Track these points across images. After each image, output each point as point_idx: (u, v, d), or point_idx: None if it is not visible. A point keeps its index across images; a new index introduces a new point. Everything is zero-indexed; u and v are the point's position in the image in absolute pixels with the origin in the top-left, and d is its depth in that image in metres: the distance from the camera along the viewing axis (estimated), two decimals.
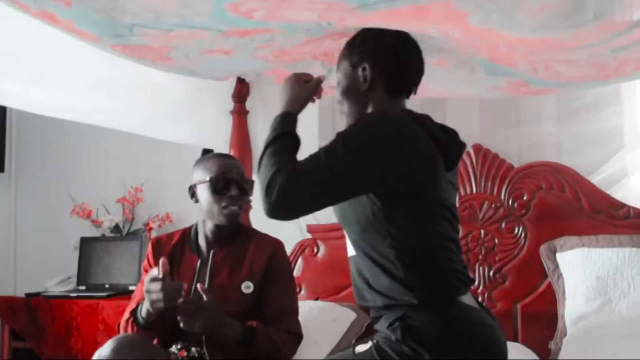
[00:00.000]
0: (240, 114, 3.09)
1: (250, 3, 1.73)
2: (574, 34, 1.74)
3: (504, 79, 2.13)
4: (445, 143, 1.66)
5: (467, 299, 1.62)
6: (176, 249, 2.23)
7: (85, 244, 3.64)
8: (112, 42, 2.09)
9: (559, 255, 2.64)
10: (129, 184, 3.80)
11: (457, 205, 1.76)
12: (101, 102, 2.84)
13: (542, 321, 2.62)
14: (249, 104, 3.10)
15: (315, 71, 3.11)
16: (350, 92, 1.75)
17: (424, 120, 1.66)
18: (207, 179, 2.15)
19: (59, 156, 4.11)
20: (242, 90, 3.01)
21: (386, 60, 1.71)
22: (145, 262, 2.27)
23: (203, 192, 2.17)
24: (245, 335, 1.98)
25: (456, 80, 2.31)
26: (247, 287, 2.13)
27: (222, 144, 3.13)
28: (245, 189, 2.20)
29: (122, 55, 2.25)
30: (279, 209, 1.53)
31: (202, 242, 2.21)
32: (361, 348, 1.62)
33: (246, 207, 3.04)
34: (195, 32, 2.03)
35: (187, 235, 2.26)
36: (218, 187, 2.14)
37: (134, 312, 2.05)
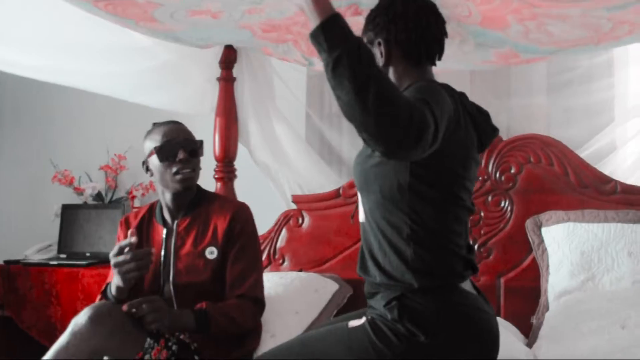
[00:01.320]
0: (227, 81, 3.05)
1: None
2: None
3: (494, 50, 2.09)
4: (479, 123, 1.64)
5: (465, 284, 1.62)
6: (143, 223, 2.23)
7: (67, 211, 3.59)
8: None
9: (544, 230, 2.63)
10: (112, 151, 3.74)
11: None
12: (85, 65, 2.80)
13: (525, 296, 2.62)
14: (236, 71, 3.06)
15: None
16: None
17: (460, 97, 1.63)
18: (153, 147, 2.12)
19: (41, 122, 4.05)
20: (229, 57, 2.99)
21: (398, 32, 1.66)
22: (116, 241, 2.25)
23: (154, 163, 2.14)
24: (199, 320, 1.95)
25: (445, 56, 2.28)
26: (211, 252, 2.12)
27: (208, 111, 3.10)
28: (194, 150, 2.16)
29: (105, 14, 2.18)
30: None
31: (165, 213, 2.20)
32: (354, 323, 1.61)
33: (231, 176, 3.02)
34: None
35: (154, 209, 2.26)
36: (165, 153, 2.11)
37: (103, 293, 2.05)
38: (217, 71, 3.04)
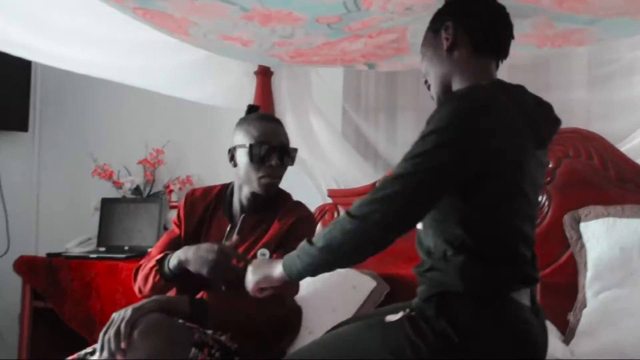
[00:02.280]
0: (264, 74, 3.07)
1: None
2: None
3: (528, 20, 2.05)
4: (537, 119, 1.60)
5: (520, 294, 1.56)
6: (208, 209, 2.17)
7: (106, 205, 3.64)
8: (135, 4, 2.05)
9: (582, 225, 2.59)
10: (151, 145, 3.80)
11: None
12: (125, 59, 2.83)
13: (562, 292, 2.58)
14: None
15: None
16: (435, 57, 1.71)
17: (516, 93, 1.60)
18: (247, 145, 2.04)
19: (82, 117, 4.13)
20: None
21: (469, 17, 1.67)
22: (174, 217, 2.21)
23: (242, 158, 2.06)
24: (195, 307, 1.88)
25: None
26: (262, 253, 1.99)
27: (245, 105, 3.11)
28: (287, 158, 2.09)
29: (141, 20, 2.22)
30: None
31: (236, 206, 2.14)
32: (391, 318, 1.59)
33: None
34: (218, 5, 1.96)
35: (223, 196, 2.19)
36: (257, 155, 2.02)
37: (160, 261, 2.02)
38: (254, 65, 3.06)
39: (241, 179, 2.09)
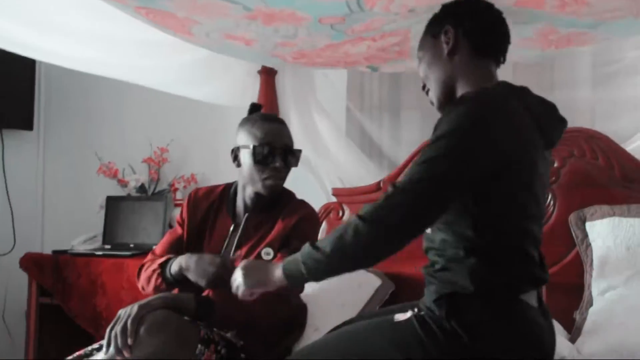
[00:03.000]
0: (268, 73, 3.08)
1: None
2: None
3: (531, 26, 2.06)
4: (543, 120, 1.61)
5: (528, 295, 1.57)
6: (211, 208, 2.17)
7: (111, 203, 3.66)
8: (137, 3, 2.05)
9: (588, 224, 2.59)
10: (155, 144, 3.80)
11: None
12: (128, 58, 2.84)
13: (568, 291, 2.57)
14: None
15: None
16: (434, 62, 1.71)
17: (522, 95, 1.61)
18: (251, 146, 2.04)
19: (86, 115, 4.14)
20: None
21: (469, 20, 1.67)
22: (178, 216, 2.22)
23: (245, 158, 2.06)
24: (201, 306, 1.88)
25: None
26: (267, 253, 2.04)
27: (249, 104, 3.12)
28: (291, 159, 2.09)
29: (144, 20, 2.22)
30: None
31: (239, 205, 2.15)
32: (400, 317, 1.60)
33: None
34: (221, 4, 1.96)
35: (226, 195, 2.19)
36: (261, 157, 2.02)
37: (162, 265, 2.03)
38: (258, 64, 3.06)
39: (245, 179, 2.09)
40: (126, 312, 1.78)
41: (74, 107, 4.17)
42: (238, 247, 2.09)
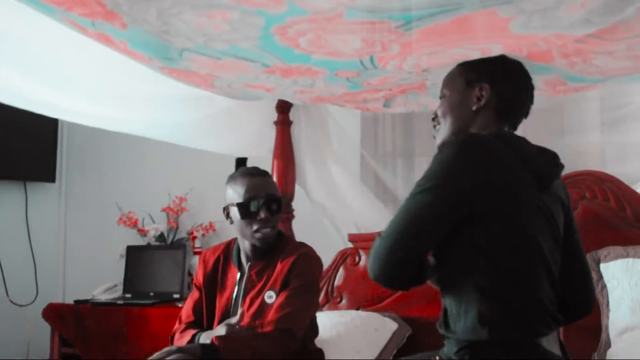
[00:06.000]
0: (283, 124, 3.13)
1: (297, 26, 1.76)
2: (613, 26, 1.72)
3: (540, 77, 2.11)
4: (535, 162, 1.62)
5: (547, 341, 1.57)
6: (219, 262, 2.26)
7: (132, 252, 3.71)
8: (162, 64, 2.14)
9: (602, 266, 2.60)
10: (174, 193, 3.87)
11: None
12: (147, 115, 2.90)
13: (586, 332, 2.57)
14: (292, 115, 3.14)
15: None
16: (458, 108, 1.72)
17: (515, 142, 1.63)
18: (235, 203, 2.14)
19: (107, 167, 4.23)
20: (286, 102, 3.03)
21: (505, 84, 1.69)
22: (194, 279, 2.32)
23: (234, 215, 2.16)
24: (205, 351, 1.91)
25: None
26: (270, 297, 2.11)
27: (266, 154, 3.18)
28: (277, 208, 2.16)
29: (169, 76, 2.31)
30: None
31: (242, 255, 2.23)
32: None
33: (289, 216, 3.08)
34: (241, 63, 2.05)
35: (231, 248, 2.28)
36: (246, 212, 2.11)
37: (193, 337, 2.11)
38: (274, 115, 3.13)
39: (239, 233, 2.18)
40: None
41: (95, 159, 4.27)
42: (245, 293, 2.16)
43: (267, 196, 2.14)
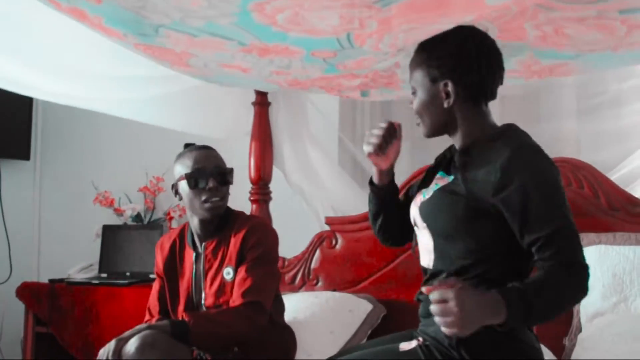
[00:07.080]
0: (262, 105, 3.13)
1: (275, 2, 1.74)
2: None
3: (514, 58, 2.12)
4: None
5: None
6: (175, 247, 2.27)
7: (108, 232, 3.69)
8: (136, 40, 2.12)
9: None
10: (151, 173, 3.84)
11: None
12: (121, 92, 2.89)
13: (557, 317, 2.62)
14: (270, 96, 3.13)
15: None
16: (431, 106, 1.69)
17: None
18: (184, 174, 2.15)
19: (83, 146, 4.19)
20: None
21: (469, 74, 1.65)
22: (155, 269, 2.33)
23: (183, 189, 2.17)
24: (175, 327, 1.94)
25: None
26: (228, 273, 2.13)
27: (243, 135, 3.18)
28: (224, 178, 2.18)
29: (143, 54, 2.29)
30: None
31: (195, 236, 2.23)
32: (405, 346, 1.62)
33: (266, 198, 3.09)
34: (217, 41, 2.04)
35: (185, 231, 2.29)
36: (195, 181, 2.13)
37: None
38: (251, 96, 3.12)
39: (189, 209, 2.19)
40: (105, 350, 1.87)
41: (70, 137, 4.22)
42: (205, 274, 2.17)
43: (215, 167, 2.17)
